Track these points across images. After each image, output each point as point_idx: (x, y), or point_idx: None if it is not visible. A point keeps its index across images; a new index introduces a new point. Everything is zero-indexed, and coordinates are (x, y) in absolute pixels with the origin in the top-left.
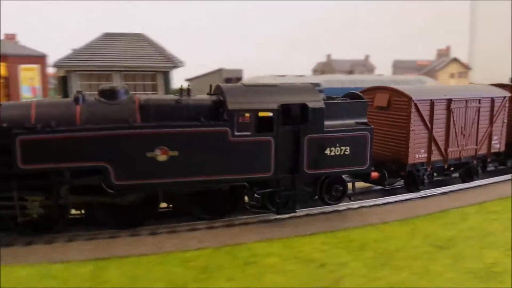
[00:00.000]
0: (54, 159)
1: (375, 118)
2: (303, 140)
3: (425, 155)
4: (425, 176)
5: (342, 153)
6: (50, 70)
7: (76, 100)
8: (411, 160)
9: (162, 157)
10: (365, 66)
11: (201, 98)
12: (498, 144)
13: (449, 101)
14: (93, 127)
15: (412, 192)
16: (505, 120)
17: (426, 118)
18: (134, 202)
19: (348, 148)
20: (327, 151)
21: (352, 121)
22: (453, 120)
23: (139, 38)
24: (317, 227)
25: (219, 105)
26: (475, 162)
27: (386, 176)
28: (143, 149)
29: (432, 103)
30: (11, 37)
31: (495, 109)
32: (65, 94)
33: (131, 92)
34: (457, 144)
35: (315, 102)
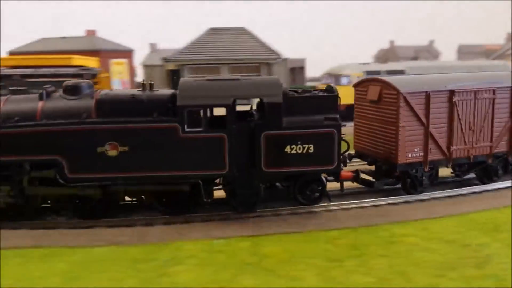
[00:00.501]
0: (14, 152)
1: (368, 113)
2: (259, 137)
3: (421, 154)
4: (424, 177)
5: (305, 151)
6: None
7: (40, 96)
8: (402, 160)
9: (112, 152)
10: (429, 52)
11: (159, 93)
12: None
13: (451, 92)
14: (48, 123)
15: (411, 194)
16: None
17: (420, 112)
18: (94, 195)
19: (312, 146)
20: (287, 149)
21: (320, 117)
22: (458, 115)
23: (242, 32)
24: (446, 210)
25: (174, 100)
26: (490, 161)
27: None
28: (94, 144)
29: (427, 96)
30: (91, 33)
31: None
32: (175, 87)
33: (95, 88)
34: (464, 141)
35: (272, 97)
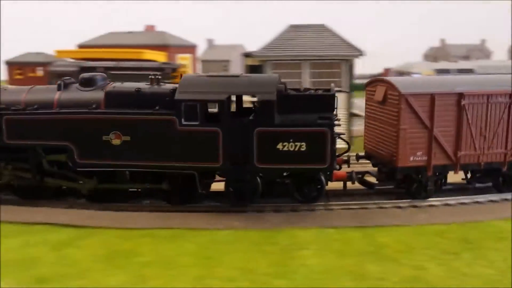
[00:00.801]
0: (30, 137)
1: (375, 114)
2: (252, 132)
3: (425, 158)
4: (428, 182)
5: (297, 149)
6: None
7: (58, 87)
8: (402, 163)
9: (116, 141)
10: (481, 51)
11: (163, 88)
12: None
13: (460, 95)
14: (59, 111)
15: (416, 199)
16: None
17: (424, 115)
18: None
19: (304, 144)
20: (279, 146)
21: (314, 116)
22: (467, 119)
23: (322, 28)
24: None
25: (174, 95)
26: (505, 169)
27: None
28: (100, 133)
29: (432, 98)
30: (150, 28)
31: None
32: None
33: (108, 81)
34: (474, 147)
35: (266, 94)
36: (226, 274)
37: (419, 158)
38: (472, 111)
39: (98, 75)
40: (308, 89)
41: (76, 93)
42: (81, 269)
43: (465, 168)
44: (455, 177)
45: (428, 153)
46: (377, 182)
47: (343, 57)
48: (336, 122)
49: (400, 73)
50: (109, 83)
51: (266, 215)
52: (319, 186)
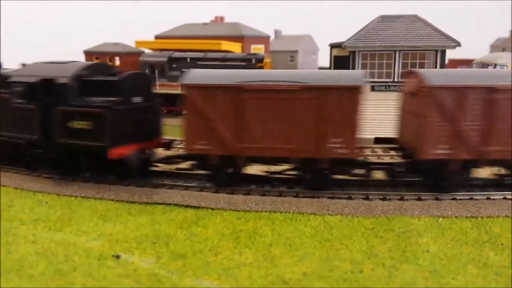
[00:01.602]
0: None
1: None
2: (53, 110)
3: (449, 151)
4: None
5: (86, 127)
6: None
7: None
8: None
9: None
10: None
11: (4, 72)
12: None
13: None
14: None
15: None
16: None
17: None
18: None
19: (91, 123)
20: (73, 124)
21: (102, 99)
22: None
23: (415, 19)
24: None
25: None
26: None
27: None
28: None
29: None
30: (220, 19)
31: None
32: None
33: None
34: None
35: (63, 77)
36: (351, 257)
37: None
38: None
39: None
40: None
41: None
42: (212, 246)
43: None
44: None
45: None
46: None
47: (438, 47)
48: (119, 106)
49: (484, 64)
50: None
51: (374, 202)
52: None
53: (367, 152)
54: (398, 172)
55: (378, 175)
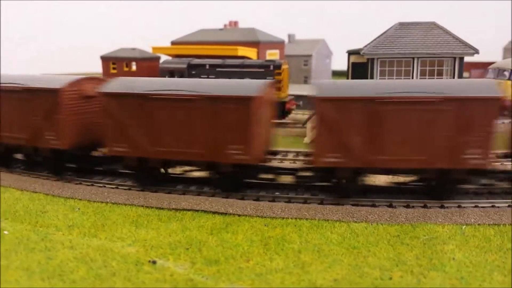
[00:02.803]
0: None
1: None
2: None
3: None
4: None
5: None
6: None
7: None
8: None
9: None
10: None
11: None
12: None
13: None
14: None
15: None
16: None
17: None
18: None
19: None
20: None
21: None
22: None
23: (433, 26)
24: None
25: None
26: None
27: None
28: None
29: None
30: (234, 23)
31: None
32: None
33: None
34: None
35: None
36: (379, 264)
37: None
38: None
39: None
40: None
41: None
42: (243, 252)
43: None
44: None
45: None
46: None
47: (456, 54)
48: None
49: (501, 69)
50: None
51: (398, 210)
52: None
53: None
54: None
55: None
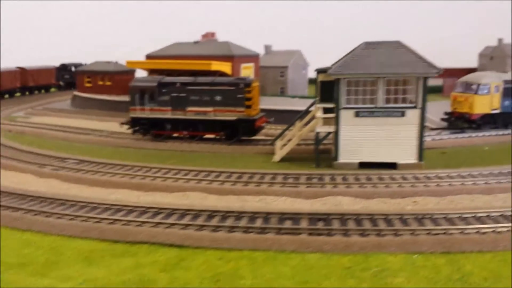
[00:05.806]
0: None
1: None
2: None
3: None
4: None
5: None
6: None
7: None
8: None
9: None
10: None
11: None
12: None
13: None
14: None
15: None
16: None
17: None
18: None
19: None
20: None
21: None
22: None
23: (397, 45)
24: None
25: None
26: None
27: None
28: None
29: None
30: (211, 35)
31: None
32: (327, 98)
33: None
34: None
35: None
36: None
37: None
38: None
39: None
40: None
41: None
42: None
43: None
44: None
45: None
46: None
47: (420, 74)
48: None
49: (468, 83)
50: None
51: (352, 239)
52: None
53: None
54: None
55: None
